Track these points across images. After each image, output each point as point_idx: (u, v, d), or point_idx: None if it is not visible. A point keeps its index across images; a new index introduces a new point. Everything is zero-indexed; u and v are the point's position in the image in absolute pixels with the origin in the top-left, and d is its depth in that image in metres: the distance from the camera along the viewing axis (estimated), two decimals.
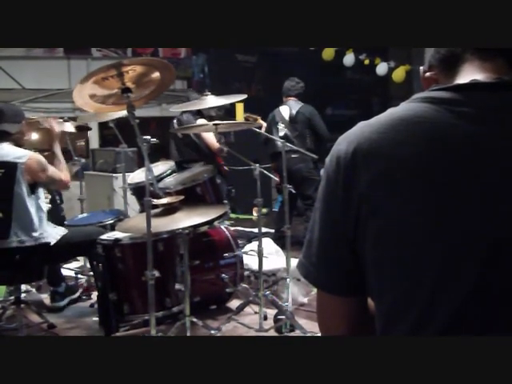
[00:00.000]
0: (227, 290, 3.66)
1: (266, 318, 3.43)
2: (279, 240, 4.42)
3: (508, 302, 0.82)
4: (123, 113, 3.01)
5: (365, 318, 0.99)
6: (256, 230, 3.74)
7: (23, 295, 3.81)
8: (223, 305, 3.82)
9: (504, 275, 0.82)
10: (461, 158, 0.85)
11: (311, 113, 5.45)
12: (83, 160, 4.96)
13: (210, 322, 3.41)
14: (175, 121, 5.22)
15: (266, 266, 3.76)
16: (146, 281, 2.61)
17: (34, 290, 4.28)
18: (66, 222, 4.17)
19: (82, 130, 4.78)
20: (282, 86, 5.66)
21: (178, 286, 3.11)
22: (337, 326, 1.01)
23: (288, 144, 4.37)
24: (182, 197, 2.97)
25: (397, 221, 0.87)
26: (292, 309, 3.44)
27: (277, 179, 4.20)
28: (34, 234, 3.22)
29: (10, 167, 3.16)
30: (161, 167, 3.84)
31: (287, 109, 5.48)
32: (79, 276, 4.38)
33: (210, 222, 3.13)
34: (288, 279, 3.55)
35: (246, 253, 3.99)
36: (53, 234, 3.33)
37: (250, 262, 3.98)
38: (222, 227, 3.81)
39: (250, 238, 5.06)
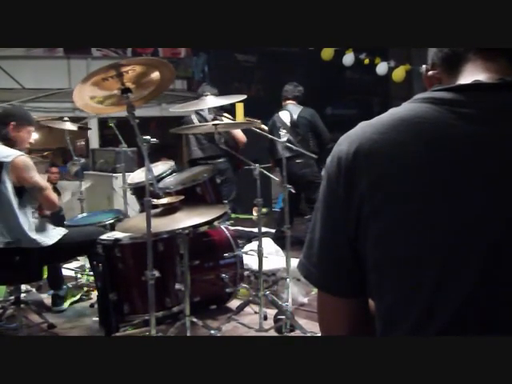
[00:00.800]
0: (227, 289, 3.66)
1: (266, 318, 3.43)
2: (281, 240, 4.42)
3: (508, 302, 0.82)
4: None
5: (365, 318, 1.00)
6: (256, 230, 3.74)
7: (23, 295, 3.81)
8: (223, 305, 3.82)
9: (504, 275, 0.82)
10: (462, 158, 0.84)
11: (312, 115, 5.44)
12: (83, 160, 4.96)
13: (210, 322, 3.41)
14: (194, 116, 5.17)
15: (266, 266, 3.77)
16: (146, 281, 2.60)
17: (34, 289, 4.28)
18: (65, 222, 4.17)
19: (82, 129, 4.78)
20: (282, 85, 5.66)
21: (178, 286, 3.11)
22: (337, 327, 1.01)
23: (291, 146, 4.37)
24: (181, 197, 2.97)
25: (397, 221, 0.87)
26: (292, 309, 3.44)
27: (277, 179, 4.20)
28: (24, 237, 3.18)
29: None
30: (161, 167, 3.84)
31: (287, 114, 5.46)
32: (79, 276, 4.38)
33: (209, 222, 3.13)
34: (288, 279, 3.55)
35: (245, 253, 3.99)
36: (51, 235, 3.31)
37: (250, 261, 3.98)
38: (222, 227, 3.81)
39: (249, 237, 5.06)
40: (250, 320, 3.48)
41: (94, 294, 3.92)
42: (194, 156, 5.24)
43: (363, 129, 0.93)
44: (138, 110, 2.75)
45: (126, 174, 4.25)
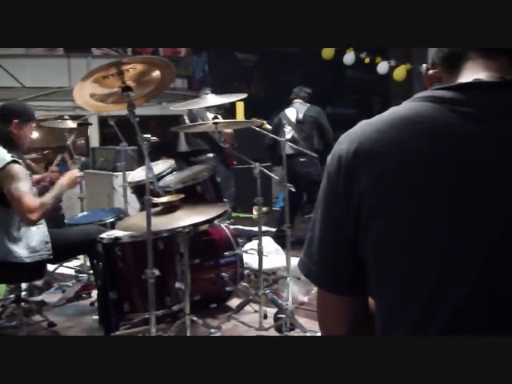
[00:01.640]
0: (227, 288, 3.66)
1: (266, 316, 3.43)
2: (281, 239, 4.42)
3: (509, 301, 0.82)
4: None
5: (365, 317, 0.99)
6: (256, 229, 3.74)
7: (23, 294, 3.81)
8: (223, 303, 3.82)
9: (505, 275, 0.82)
10: (462, 157, 0.84)
11: (318, 113, 5.46)
12: (83, 158, 4.96)
13: (210, 321, 3.41)
14: (185, 116, 5.27)
15: (266, 265, 3.77)
16: (146, 279, 2.61)
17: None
18: (66, 221, 4.17)
19: (83, 125, 4.78)
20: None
21: (178, 285, 3.11)
22: (337, 326, 1.01)
23: (291, 145, 4.37)
24: (182, 195, 2.97)
25: (398, 220, 0.87)
26: (292, 308, 3.44)
27: (277, 178, 4.20)
28: (3, 249, 3.06)
29: None
30: (161, 166, 3.84)
31: (294, 111, 5.49)
32: (79, 274, 4.38)
33: (210, 221, 3.13)
34: (288, 278, 3.56)
35: (246, 251, 4.00)
36: (35, 250, 3.15)
37: (250, 260, 3.98)
38: (222, 226, 3.81)
39: (250, 236, 5.06)
40: (250, 319, 3.48)
41: (94, 293, 3.92)
42: (181, 150, 5.38)
43: (363, 128, 0.93)
44: (139, 108, 2.75)
45: (127, 172, 4.25)
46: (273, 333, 3.25)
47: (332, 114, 9.29)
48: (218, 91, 4.74)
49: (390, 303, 0.90)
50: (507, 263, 0.82)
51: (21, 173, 3.03)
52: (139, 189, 3.55)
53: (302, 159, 5.07)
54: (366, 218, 0.89)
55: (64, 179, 3.24)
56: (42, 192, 3.28)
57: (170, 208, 2.89)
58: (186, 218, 2.82)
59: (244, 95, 3.59)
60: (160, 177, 3.58)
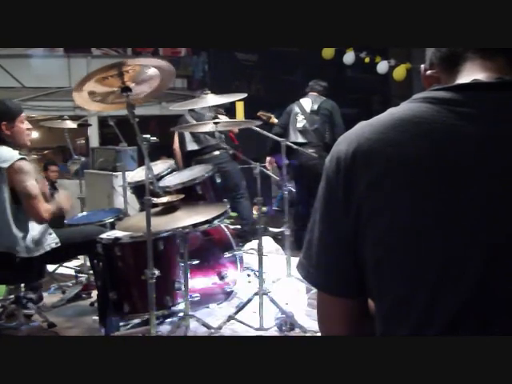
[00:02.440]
0: (227, 288, 3.66)
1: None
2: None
3: (509, 302, 0.82)
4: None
5: (365, 319, 0.99)
6: None
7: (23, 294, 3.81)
8: (223, 304, 3.81)
9: (505, 276, 0.82)
10: (461, 158, 0.84)
11: (333, 106, 5.40)
12: (83, 158, 4.96)
13: (210, 321, 3.41)
14: (188, 116, 5.27)
15: (266, 265, 3.76)
16: (145, 280, 2.61)
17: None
18: (65, 221, 4.17)
19: (83, 125, 4.78)
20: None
21: (177, 285, 3.11)
22: (337, 327, 1.01)
23: (291, 145, 4.36)
24: (181, 195, 2.97)
25: (397, 222, 0.86)
26: (292, 308, 3.44)
27: (277, 178, 4.20)
28: (16, 245, 3.10)
29: None
30: (160, 166, 3.84)
31: (309, 101, 5.43)
32: (79, 275, 4.39)
33: (209, 221, 3.13)
34: (288, 278, 3.56)
35: (246, 251, 3.99)
36: (46, 243, 3.23)
37: (250, 260, 3.98)
38: (222, 226, 3.81)
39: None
40: (250, 319, 3.48)
41: (94, 293, 3.92)
42: (190, 148, 5.29)
43: (362, 129, 0.93)
44: (138, 108, 2.75)
45: (126, 172, 4.25)
46: (273, 333, 3.24)
47: None
48: (217, 91, 4.75)
49: (390, 305, 0.90)
50: (508, 264, 0.82)
51: (31, 170, 3.09)
52: (139, 189, 3.55)
53: (310, 150, 5.02)
54: (365, 220, 0.89)
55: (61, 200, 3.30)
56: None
57: (169, 208, 2.89)
58: (185, 218, 2.82)
59: (244, 95, 3.59)
60: (160, 177, 3.58)
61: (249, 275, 4.00)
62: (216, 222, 3.44)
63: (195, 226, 2.99)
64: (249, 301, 3.55)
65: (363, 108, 9.47)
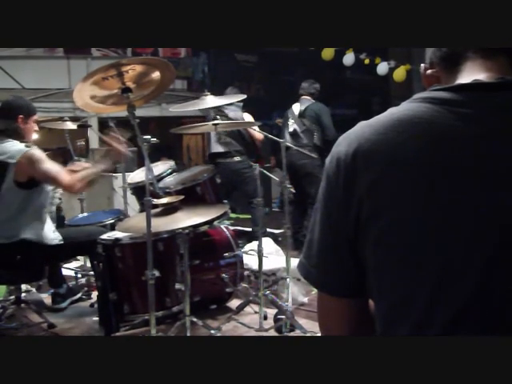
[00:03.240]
0: (227, 289, 3.66)
1: (265, 317, 3.42)
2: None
3: (509, 303, 0.82)
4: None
5: (365, 319, 0.99)
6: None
7: (23, 295, 3.81)
8: (223, 304, 3.81)
9: (505, 276, 0.82)
10: (461, 159, 0.84)
11: (320, 109, 5.54)
12: (83, 159, 4.95)
13: (210, 322, 3.41)
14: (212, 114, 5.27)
15: (266, 266, 3.76)
16: (146, 280, 2.60)
17: (34, 289, 4.27)
18: (66, 222, 4.17)
19: (83, 126, 4.79)
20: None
21: (178, 286, 3.10)
22: (337, 327, 1.01)
23: (290, 145, 4.36)
24: (181, 196, 2.97)
25: (397, 222, 0.86)
26: (292, 308, 3.43)
27: (277, 179, 4.19)
28: (22, 234, 3.17)
29: (1, 166, 3.11)
30: (161, 167, 3.84)
31: (298, 105, 5.63)
32: (79, 276, 4.38)
33: (209, 222, 3.13)
34: (288, 279, 3.55)
35: (246, 252, 3.99)
36: (51, 237, 3.29)
37: (250, 261, 3.98)
38: (222, 227, 3.81)
39: (249, 237, 5.06)
40: (250, 320, 3.48)
41: (94, 294, 3.92)
42: (214, 150, 5.38)
43: (362, 129, 0.93)
44: (138, 109, 2.75)
45: (126, 173, 4.25)
46: (273, 334, 3.24)
47: (332, 114, 9.27)
48: (217, 92, 4.74)
49: (390, 305, 0.90)
50: (508, 265, 0.82)
51: (42, 155, 3.18)
52: (139, 190, 3.54)
53: (300, 150, 5.10)
54: (365, 220, 0.89)
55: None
56: None
57: (169, 209, 2.89)
58: (185, 219, 2.82)
59: (243, 96, 3.59)
60: (160, 178, 3.58)
61: (249, 276, 4.00)
62: (216, 223, 3.45)
63: (195, 226, 2.99)
64: (249, 302, 3.55)
65: (363, 109, 9.48)
